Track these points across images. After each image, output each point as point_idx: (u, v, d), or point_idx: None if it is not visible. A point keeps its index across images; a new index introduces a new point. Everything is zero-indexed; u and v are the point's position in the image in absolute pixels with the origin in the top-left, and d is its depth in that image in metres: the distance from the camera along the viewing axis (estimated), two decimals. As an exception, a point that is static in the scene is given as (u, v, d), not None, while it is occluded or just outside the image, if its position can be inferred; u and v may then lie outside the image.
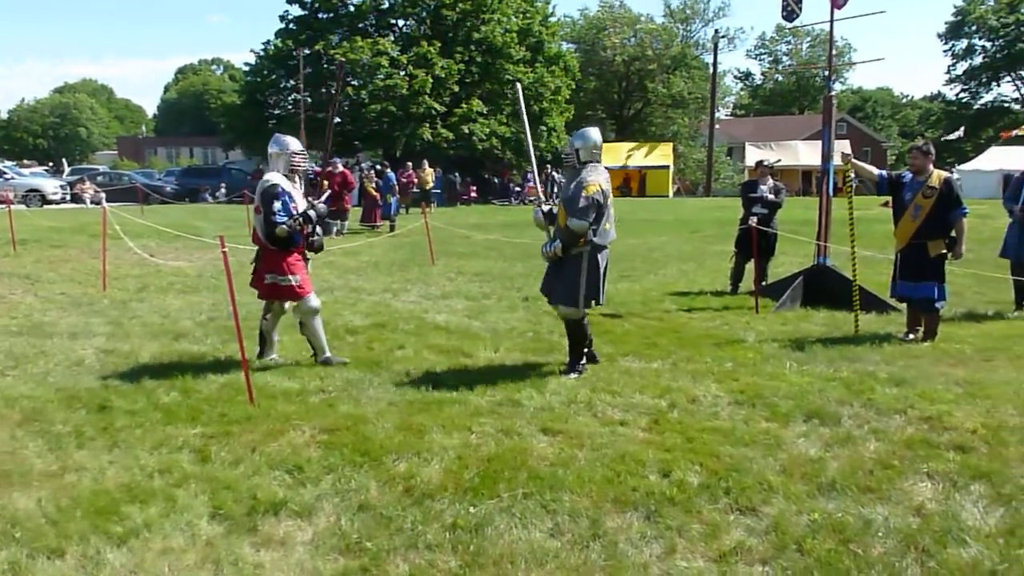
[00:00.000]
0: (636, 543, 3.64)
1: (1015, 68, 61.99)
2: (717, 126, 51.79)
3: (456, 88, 38.20)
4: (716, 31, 54.90)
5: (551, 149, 39.85)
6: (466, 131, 37.43)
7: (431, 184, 28.03)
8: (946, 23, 64.20)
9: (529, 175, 39.90)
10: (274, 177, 6.37)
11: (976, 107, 64.83)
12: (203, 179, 39.33)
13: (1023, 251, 9.14)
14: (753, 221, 9.93)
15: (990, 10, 60.91)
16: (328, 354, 6.65)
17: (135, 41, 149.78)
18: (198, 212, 27.02)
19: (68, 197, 32.63)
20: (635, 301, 9.73)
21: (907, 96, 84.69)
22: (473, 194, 37.64)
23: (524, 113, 7.33)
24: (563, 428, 5.06)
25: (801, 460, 4.54)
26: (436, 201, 30.19)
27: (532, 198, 35.43)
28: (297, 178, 6.58)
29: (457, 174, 36.89)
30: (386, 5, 40.10)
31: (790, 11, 9.79)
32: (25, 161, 55.39)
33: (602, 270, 6.32)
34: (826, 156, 9.31)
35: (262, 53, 40.43)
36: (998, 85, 64.56)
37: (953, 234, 7.44)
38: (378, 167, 22.78)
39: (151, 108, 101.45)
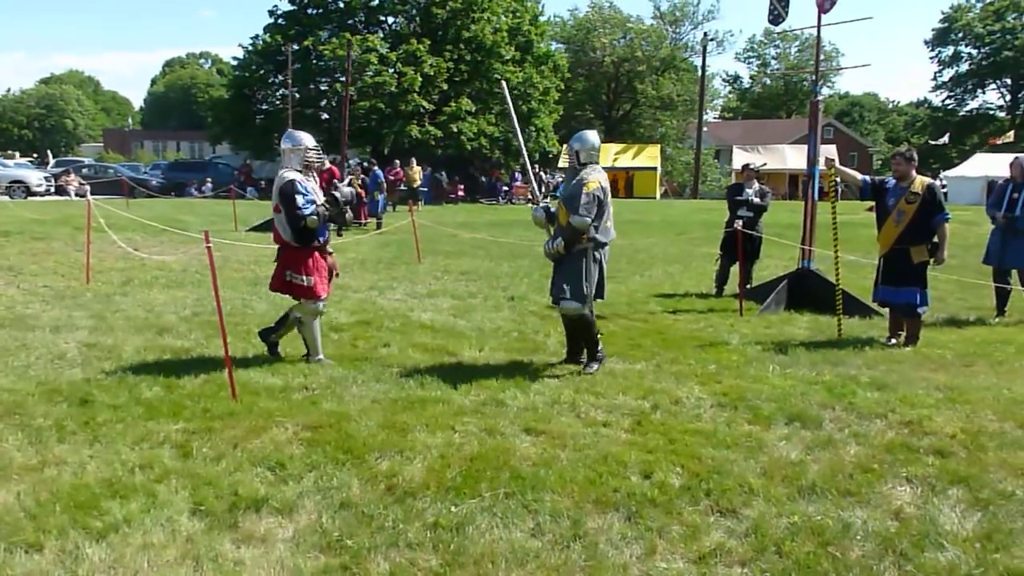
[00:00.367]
0: (616, 544, 3.66)
1: (1000, 75, 62.55)
2: (705, 129, 51.99)
3: (445, 86, 38.13)
4: (705, 34, 55.29)
5: (538, 149, 39.87)
6: (454, 129, 37.42)
7: (419, 182, 28.05)
8: (933, 30, 64.83)
9: (518, 174, 39.95)
10: (289, 174, 6.38)
11: (961, 113, 65.39)
12: (189, 173, 39.30)
13: (1005, 258, 9.17)
14: (739, 224, 9.97)
15: (977, 18, 61.43)
16: (321, 356, 6.65)
17: (123, 34, 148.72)
18: (184, 206, 26.84)
19: (52, 189, 32.31)
20: (620, 302, 9.75)
21: (894, 102, 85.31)
22: (461, 193, 37.61)
23: (512, 111, 7.37)
24: (546, 428, 5.08)
25: (782, 463, 4.57)
26: (423, 199, 30.19)
27: (526, 197, 35.43)
28: (312, 173, 6.58)
29: (444, 172, 36.84)
30: (376, 2, 40.02)
31: (776, 14, 9.86)
32: (9, 152, 54.88)
33: (603, 267, 6.52)
34: (812, 161, 9.38)
35: (250, 48, 40.30)
36: (983, 92, 65.31)
37: (936, 240, 7.51)
38: (365, 164, 22.74)
39: (138, 101, 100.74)
